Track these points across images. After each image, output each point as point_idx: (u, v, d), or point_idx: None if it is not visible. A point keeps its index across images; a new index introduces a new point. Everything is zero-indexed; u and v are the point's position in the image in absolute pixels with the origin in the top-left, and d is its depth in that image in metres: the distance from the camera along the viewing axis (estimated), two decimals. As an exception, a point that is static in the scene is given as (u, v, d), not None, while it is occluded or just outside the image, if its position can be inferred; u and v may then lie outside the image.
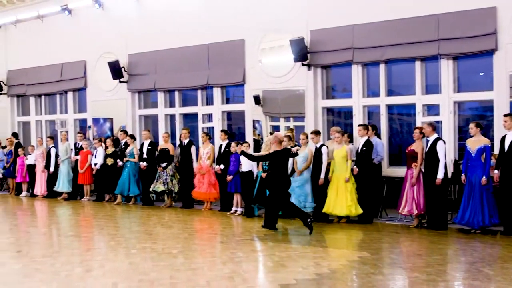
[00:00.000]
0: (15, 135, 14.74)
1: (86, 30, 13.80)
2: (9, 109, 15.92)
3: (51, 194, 12.89)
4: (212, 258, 6.20)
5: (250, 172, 9.53)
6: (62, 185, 12.56)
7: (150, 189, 10.82)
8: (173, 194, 10.75)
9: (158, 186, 10.72)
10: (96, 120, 13.76)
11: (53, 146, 12.97)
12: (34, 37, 15.04)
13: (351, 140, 9.01)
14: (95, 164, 12.04)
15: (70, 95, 14.61)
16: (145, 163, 11.22)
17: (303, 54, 9.90)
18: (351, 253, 6.33)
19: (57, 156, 12.83)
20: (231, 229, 8.36)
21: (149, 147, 11.34)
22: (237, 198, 9.78)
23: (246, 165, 9.55)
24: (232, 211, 9.82)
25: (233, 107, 11.79)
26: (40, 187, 13.17)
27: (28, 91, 15.28)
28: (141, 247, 6.81)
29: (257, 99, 10.91)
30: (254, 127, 11.09)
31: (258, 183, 9.21)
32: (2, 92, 15.71)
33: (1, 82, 15.67)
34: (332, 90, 10.48)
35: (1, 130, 15.82)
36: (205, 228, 8.67)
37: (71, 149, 12.88)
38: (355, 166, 8.52)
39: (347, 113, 10.11)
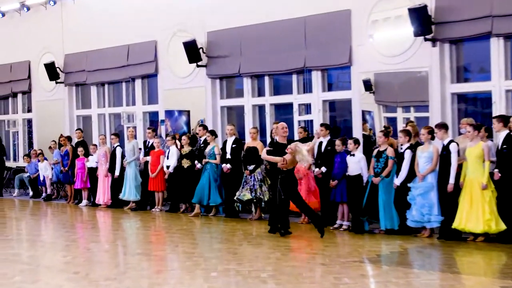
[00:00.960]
0: (79, 132, 15.79)
1: (156, 5, 14.87)
2: (66, 100, 17.55)
3: (116, 203, 14.00)
4: (311, 284, 6.34)
5: (359, 176, 9.87)
6: (129, 192, 13.56)
7: (235, 198, 11.31)
8: (263, 203, 11.19)
9: (244, 194, 11.19)
10: (169, 113, 14.71)
11: (118, 145, 14.03)
12: (96, 14, 16.41)
13: (490, 135, 8.93)
14: (168, 167, 12.88)
15: (138, 83, 15.84)
16: (228, 165, 11.74)
17: (425, 26, 9.94)
18: (491, 282, 6.39)
19: (123, 157, 13.86)
20: (335, 248, 8.63)
21: (233, 146, 11.82)
22: (342, 208, 10.15)
23: (354, 167, 9.89)
24: (336, 225, 10.20)
25: (336, 95, 12.15)
26: (103, 194, 14.28)
27: (89, 79, 16.78)
28: (223, 269, 7.14)
29: (367, 85, 11.15)
30: (364, 120, 11.37)
31: (368, 190, 9.55)
32: (59, 80, 17.31)
33: (58, 69, 17.21)
34: (465, 71, 10.41)
35: (57, 126, 17.44)
36: (302, 246, 8.96)
37: (140, 149, 13.90)
38: (496, 170, 8.48)
39: (485, 100, 10.05)
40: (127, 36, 15.47)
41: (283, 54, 12.49)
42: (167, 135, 13.81)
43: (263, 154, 9.79)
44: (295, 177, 9.71)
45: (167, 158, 13.02)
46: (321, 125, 10.99)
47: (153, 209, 13.39)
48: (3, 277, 7.25)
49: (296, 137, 11.45)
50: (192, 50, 13.63)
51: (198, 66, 13.93)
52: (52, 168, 16.11)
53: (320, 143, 10.66)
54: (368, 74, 11.22)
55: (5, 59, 19.07)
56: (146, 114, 15.97)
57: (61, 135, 16.19)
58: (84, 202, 14.83)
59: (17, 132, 19.60)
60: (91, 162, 14.66)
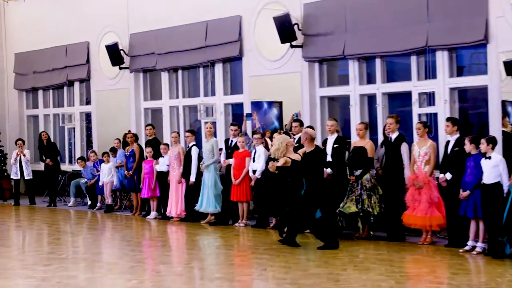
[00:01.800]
0: (150, 128, 16.16)
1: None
2: (132, 90, 18.17)
3: (191, 215, 14.39)
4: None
5: (497, 185, 9.82)
6: (207, 202, 13.88)
7: (337, 210, 11.45)
8: (371, 218, 11.32)
9: (348, 206, 11.37)
10: (257, 105, 15.02)
11: (194, 145, 14.39)
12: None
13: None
14: (255, 172, 13.16)
15: (218, 68, 16.14)
16: (329, 170, 11.82)
17: None
18: None
19: (200, 159, 14.21)
20: (465, 276, 8.62)
21: (335, 146, 11.97)
22: (476, 226, 10.06)
23: (490, 173, 9.85)
24: (467, 247, 10.16)
25: (468, 81, 12.04)
26: (175, 205, 14.64)
27: (159, 63, 17.32)
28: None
29: (509, 67, 10.99)
30: (505, 113, 11.17)
31: (509, 203, 9.45)
32: (123, 66, 17.93)
33: (122, 51, 17.79)
34: None
35: (121, 121, 18.09)
36: (423, 273, 9.04)
37: (220, 149, 14.19)
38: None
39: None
40: (205, 11, 15.87)
41: (399, 30, 12.46)
42: (254, 133, 14.00)
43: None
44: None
45: (254, 161, 13.22)
46: (448, 119, 10.98)
47: (236, 224, 13.68)
48: None
49: (415, 136, 11.53)
50: (284, 27, 13.75)
51: (292, 46, 14.06)
52: (115, 173, 16.79)
53: (447, 142, 10.71)
54: (510, 54, 11.04)
55: (59, 40, 19.88)
56: (227, 106, 16.33)
57: (129, 131, 16.72)
58: (153, 214, 15.30)
59: (73, 128, 20.40)
60: (161, 165, 15.00)
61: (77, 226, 15.53)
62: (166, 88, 17.68)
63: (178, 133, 15.62)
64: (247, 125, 14.94)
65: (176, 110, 17.60)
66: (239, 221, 13.69)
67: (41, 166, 19.56)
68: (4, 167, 20.87)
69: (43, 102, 21.57)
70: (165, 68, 17.40)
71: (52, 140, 19.79)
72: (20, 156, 18.80)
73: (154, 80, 18.15)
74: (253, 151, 13.39)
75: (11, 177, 19.31)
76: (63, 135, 20.94)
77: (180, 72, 17.38)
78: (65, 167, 20.07)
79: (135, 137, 16.33)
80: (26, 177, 18.88)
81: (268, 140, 13.44)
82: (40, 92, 21.54)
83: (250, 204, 13.73)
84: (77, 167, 18.66)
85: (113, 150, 17.00)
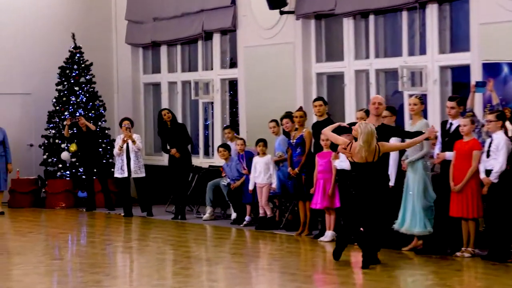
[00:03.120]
0: (319, 103, 16.21)
1: None
2: (299, 45, 18.34)
3: (388, 238, 14.22)
4: None
5: None
6: (412, 219, 13.86)
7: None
8: None
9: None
10: (492, 69, 14.75)
11: None
12: None
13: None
14: (489, 173, 13.01)
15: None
16: None
17: None
18: None
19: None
20: None
21: None
22: None
23: None
24: None
25: None
26: None
27: (340, 5, 17.21)
28: None
29: None
30: None
31: None
32: (286, 9, 18.06)
33: None
34: None
35: (282, 91, 18.44)
36: None
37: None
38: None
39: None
40: None
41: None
42: (490, 112, 13.68)
43: (326, 129, 13.20)
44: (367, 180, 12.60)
45: (488, 156, 13.16)
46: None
47: (457, 253, 13.56)
48: None
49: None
50: None
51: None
52: (278, 169, 16.93)
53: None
54: None
55: None
56: (445, 71, 16.16)
57: (300, 108, 16.74)
58: (329, 234, 15.55)
59: (211, 103, 21.00)
60: (342, 160, 14.92)
61: (215, 250, 15.86)
62: (349, 44, 17.74)
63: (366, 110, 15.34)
64: (474, 100, 14.68)
65: (365, 76, 17.62)
66: (462, 248, 13.55)
67: (162, 160, 20.22)
68: (111, 160, 21.70)
69: (168, 64, 22.20)
70: (349, 13, 17.42)
71: (180, 121, 20.23)
72: (128, 144, 19.41)
73: (332, 30, 18.32)
74: (487, 141, 13.29)
75: (115, 175, 20.10)
76: (197, 113, 21.55)
77: (371, 17, 17.35)
78: (199, 161, 20.52)
79: (304, 117, 16.38)
80: (134, 175, 19.58)
81: (509, 124, 13.38)
82: (163, 49, 22.23)
83: (479, 223, 13.62)
84: (216, 161, 19.03)
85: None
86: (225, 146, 18.27)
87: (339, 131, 13.10)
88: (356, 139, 12.43)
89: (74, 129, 21.17)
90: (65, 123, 21.14)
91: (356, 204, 12.79)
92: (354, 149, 12.36)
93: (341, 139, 12.73)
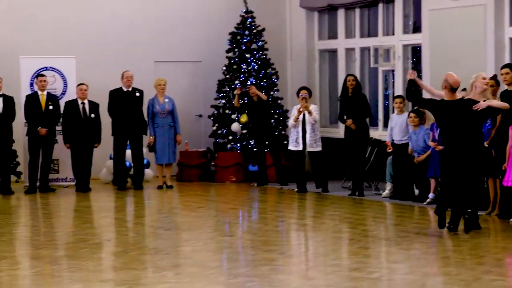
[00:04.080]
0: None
1: None
2: (491, 7, 17.84)
3: None
4: None
5: None
6: None
7: None
8: None
9: None
10: None
11: None
12: None
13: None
14: None
15: None
16: None
17: None
18: None
19: None
20: None
21: None
22: None
23: None
24: None
25: None
26: None
27: None
28: None
29: None
30: None
31: None
32: None
33: None
34: None
35: (471, 59, 17.90)
36: None
37: None
38: None
39: None
40: None
41: None
42: None
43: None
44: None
45: None
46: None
47: None
48: None
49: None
50: None
51: None
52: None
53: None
54: None
55: None
56: None
57: (494, 75, 16.29)
58: None
59: (392, 71, 20.65)
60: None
61: (396, 229, 15.24)
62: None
63: None
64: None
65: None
66: None
67: (338, 132, 20.36)
68: (284, 132, 21.68)
69: (345, 29, 22.22)
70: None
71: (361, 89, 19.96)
72: (304, 115, 19.09)
73: None
74: None
75: (289, 147, 19.97)
76: (376, 82, 21.33)
77: None
78: (378, 134, 20.36)
79: (496, 86, 15.86)
80: (309, 149, 19.37)
81: None
82: (341, 13, 22.23)
83: None
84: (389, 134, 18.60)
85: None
86: (417, 112, 17.61)
87: None
88: None
89: (245, 99, 21.02)
90: (235, 92, 21.03)
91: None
92: None
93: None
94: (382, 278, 10.79)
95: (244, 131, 21.26)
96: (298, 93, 19.41)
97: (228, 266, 12.32)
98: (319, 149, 19.37)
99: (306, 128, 19.08)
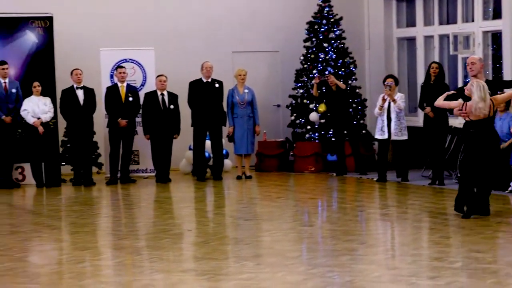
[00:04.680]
0: None
1: None
2: None
3: None
4: None
5: None
6: None
7: None
8: None
9: None
10: None
11: None
12: None
13: None
14: None
15: None
16: None
17: None
18: None
19: None
20: None
21: None
22: None
23: None
24: None
25: None
26: None
27: None
28: None
29: None
30: None
31: None
32: None
33: None
34: None
35: None
36: None
37: None
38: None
39: None
40: None
41: None
42: None
43: (437, 101, 14.64)
44: (486, 136, 14.02)
45: None
46: None
47: None
48: None
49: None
50: None
51: None
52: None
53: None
54: None
55: None
56: None
57: None
58: None
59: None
60: None
61: (477, 218, 14.83)
62: None
63: None
64: None
65: None
66: None
67: (417, 121, 20.81)
68: (362, 121, 21.76)
69: (423, 17, 22.27)
70: None
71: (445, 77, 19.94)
72: (389, 104, 19.12)
73: None
74: None
75: (376, 136, 19.97)
76: (455, 69, 21.39)
77: None
78: (457, 122, 19.88)
79: None
80: (394, 137, 19.36)
81: None
82: (419, 1, 22.32)
83: None
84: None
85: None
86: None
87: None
88: (468, 99, 13.74)
89: (323, 88, 20.98)
90: (313, 82, 21.05)
91: (473, 161, 14.13)
92: (470, 107, 13.60)
93: (453, 103, 14.19)
94: (464, 268, 10.73)
95: (323, 121, 21.25)
96: (384, 81, 19.41)
97: (308, 256, 12.36)
98: (405, 137, 19.36)
99: (391, 117, 19.11)
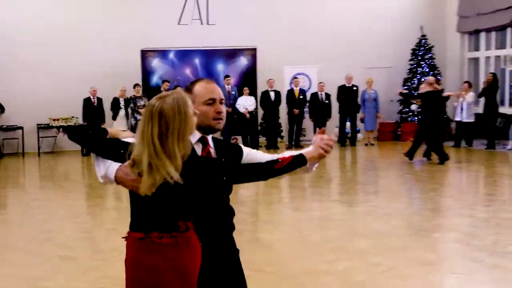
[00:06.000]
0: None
1: None
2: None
3: None
4: None
5: None
6: None
7: None
8: None
9: None
10: None
11: None
12: None
13: None
14: None
15: None
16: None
17: None
18: None
19: None
20: None
21: None
22: None
23: None
24: None
25: None
26: None
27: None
28: None
29: None
30: None
31: None
32: None
33: None
34: None
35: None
36: None
37: None
38: None
39: None
40: None
41: None
42: None
43: None
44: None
45: None
46: None
47: None
48: (494, 245, 8.28)
49: None
50: None
51: None
52: None
53: None
54: None
55: None
56: None
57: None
58: None
59: None
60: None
61: None
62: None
63: None
64: None
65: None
66: None
67: (479, 110, 20.57)
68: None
69: (485, 44, 22.30)
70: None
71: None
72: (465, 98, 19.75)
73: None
74: None
75: (456, 118, 20.47)
76: (504, 78, 21.52)
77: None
78: (505, 110, 20.72)
79: None
80: (465, 120, 20.00)
81: None
82: (482, 34, 22.38)
83: None
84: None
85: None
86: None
87: None
88: None
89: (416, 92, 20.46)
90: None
91: None
92: None
93: None
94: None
95: (419, 109, 20.45)
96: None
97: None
98: (472, 120, 19.60)
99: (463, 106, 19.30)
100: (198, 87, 4.04)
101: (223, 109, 4.04)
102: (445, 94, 17.47)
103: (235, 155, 4.06)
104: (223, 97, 4.07)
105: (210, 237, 4.03)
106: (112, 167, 3.83)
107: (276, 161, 3.78)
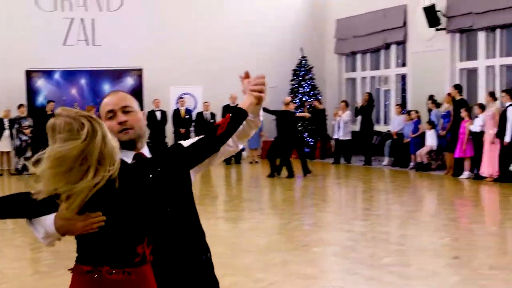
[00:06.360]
0: (458, 87, 16.58)
1: None
2: (448, 51, 17.97)
3: (505, 176, 14.27)
4: None
5: None
6: None
7: None
8: None
9: None
10: None
11: (510, 105, 14.28)
12: None
13: None
14: None
15: None
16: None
17: None
18: None
19: None
20: None
21: None
22: None
23: None
24: None
25: None
26: (488, 165, 14.72)
27: (477, 23, 16.98)
28: None
29: None
30: None
31: None
32: (440, 27, 17.73)
33: (439, 13, 17.61)
34: None
35: (435, 82, 17.99)
36: None
37: None
38: None
39: None
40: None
41: None
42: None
43: None
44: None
45: None
46: None
47: None
48: (370, 258, 8.19)
49: None
50: None
51: None
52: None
53: None
54: None
55: (378, 4, 20.36)
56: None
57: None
58: (466, 174, 15.38)
59: (389, 90, 20.84)
60: (475, 125, 15.11)
61: (390, 184, 15.74)
62: (482, 48, 17.40)
63: (493, 93, 15.44)
64: None
65: (491, 69, 17.25)
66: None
67: (355, 128, 20.30)
68: (324, 129, 21.48)
69: (361, 66, 22.21)
70: (483, 28, 17.08)
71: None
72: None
73: (470, 40, 17.94)
74: None
75: (334, 136, 20.11)
76: (379, 97, 21.43)
77: (498, 31, 16.98)
78: (380, 127, 20.57)
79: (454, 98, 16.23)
80: (341, 138, 19.65)
81: None
82: (358, 56, 22.21)
83: None
84: (391, 127, 19.08)
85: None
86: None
87: None
88: None
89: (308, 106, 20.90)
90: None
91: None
92: None
93: None
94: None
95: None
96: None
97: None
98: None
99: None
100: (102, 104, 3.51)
101: (129, 116, 3.43)
102: (298, 114, 17.81)
103: (176, 147, 3.47)
104: (125, 103, 3.46)
105: (175, 264, 3.42)
106: (48, 220, 3.14)
107: (215, 128, 3.39)
